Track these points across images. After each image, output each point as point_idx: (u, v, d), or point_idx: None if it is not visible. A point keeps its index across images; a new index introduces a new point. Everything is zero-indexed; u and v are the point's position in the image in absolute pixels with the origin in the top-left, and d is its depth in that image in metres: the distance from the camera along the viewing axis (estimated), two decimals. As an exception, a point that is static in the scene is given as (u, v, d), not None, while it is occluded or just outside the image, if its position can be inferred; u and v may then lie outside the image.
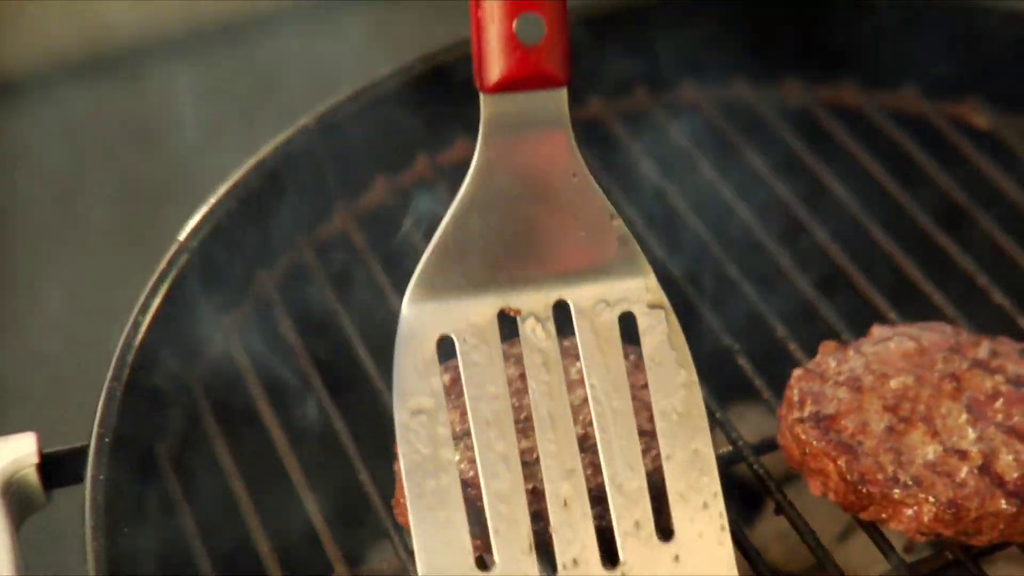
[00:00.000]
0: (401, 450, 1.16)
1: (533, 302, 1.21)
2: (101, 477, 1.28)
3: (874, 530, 1.27)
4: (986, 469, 1.25)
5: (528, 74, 1.20)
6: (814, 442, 1.29)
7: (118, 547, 1.25)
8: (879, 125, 1.68)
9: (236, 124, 2.10)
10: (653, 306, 1.23)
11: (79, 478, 1.29)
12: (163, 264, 1.42)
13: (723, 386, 1.41)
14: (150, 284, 1.41)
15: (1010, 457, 1.25)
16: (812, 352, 1.38)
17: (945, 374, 1.33)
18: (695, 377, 1.22)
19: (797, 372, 1.35)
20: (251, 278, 1.52)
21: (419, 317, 1.19)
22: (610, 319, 1.22)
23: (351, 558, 1.28)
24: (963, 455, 1.26)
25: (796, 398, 1.33)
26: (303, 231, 1.56)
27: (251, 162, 1.53)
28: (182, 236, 1.45)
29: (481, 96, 1.22)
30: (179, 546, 1.32)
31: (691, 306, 1.48)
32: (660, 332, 1.22)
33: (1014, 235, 1.55)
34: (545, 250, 1.23)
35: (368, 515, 1.31)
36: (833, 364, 1.35)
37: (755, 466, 1.34)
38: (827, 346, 1.38)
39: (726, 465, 1.34)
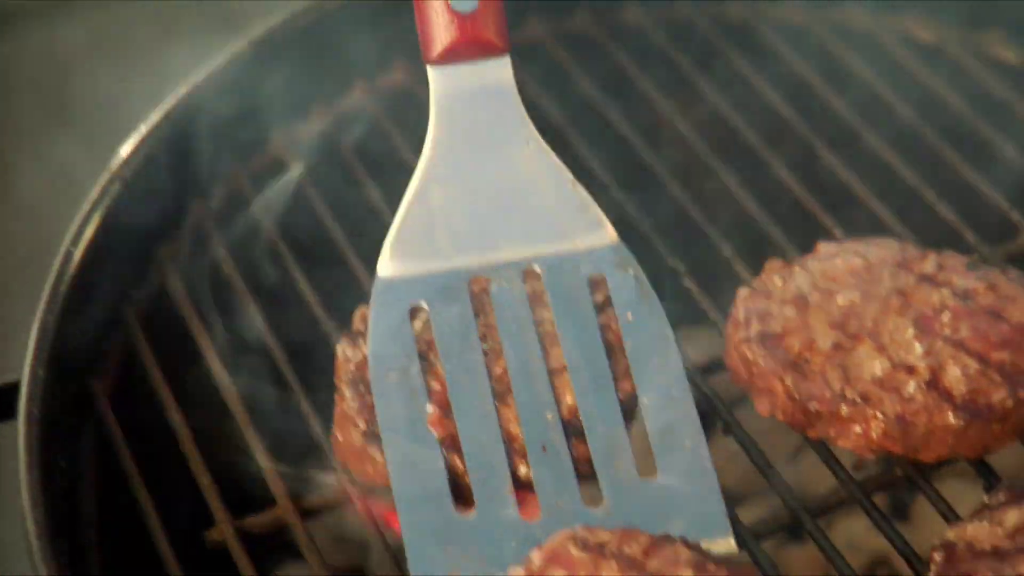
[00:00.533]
0: (378, 409, 1.18)
1: (502, 271, 1.24)
2: (35, 412, 1.25)
3: (823, 448, 1.26)
4: (934, 384, 1.24)
5: (466, 41, 1.25)
6: (760, 361, 1.27)
7: (54, 483, 1.23)
8: (822, 40, 1.66)
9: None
10: (621, 267, 1.25)
11: (12, 413, 1.26)
12: (94, 194, 1.39)
13: (670, 309, 1.39)
14: (82, 214, 1.37)
15: (958, 371, 1.24)
16: (758, 271, 1.36)
17: (892, 289, 1.31)
18: (669, 331, 1.24)
19: (742, 291, 1.34)
20: (186, 208, 1.48)
21: (390, 289, 1.23)
22: (578, 280, 1.24)
23: (294, 492, 1.26)
24: (911, 370, 1.25)
25: (742, 317, 1.31)
26: (239, 160, 1.53)
27: (184, 90, 1.50)
28: (114, 165, 1.42)
29: (428, 70, 1.27)
30: (116, 482, 1.30)
31: (635, 227, 1.46)
32: (630, 290, 1.24)
33: (959, 150, 1.53)
34: (509, 219, 1.26)
35: (310, 449, 1.29)
36: (779, 282, 1.33)
37: (703, 387, 1.32)
38: (773, 264, 1.36)
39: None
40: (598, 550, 1.07)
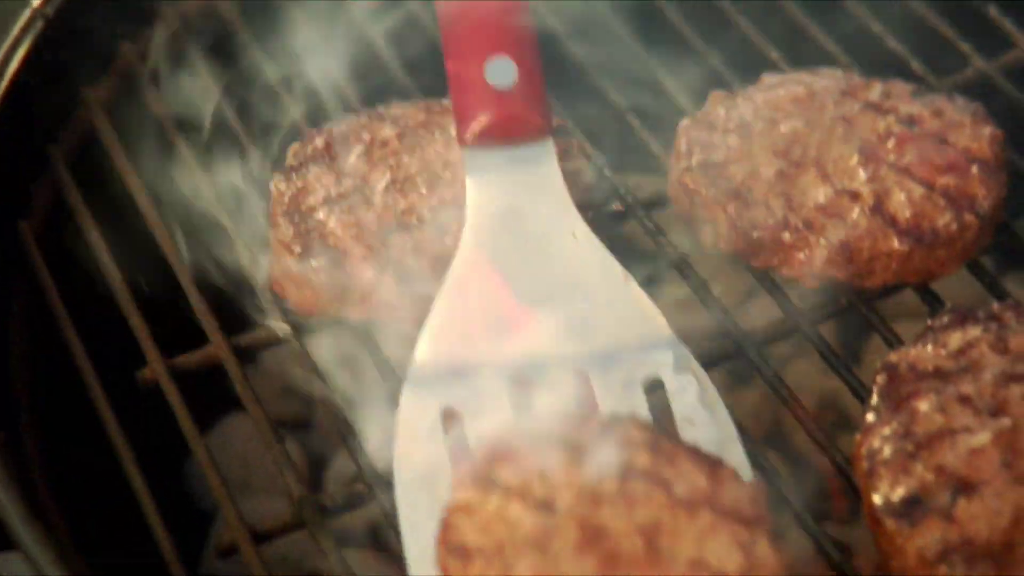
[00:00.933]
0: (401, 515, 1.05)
1: (547, 372, 1.10)
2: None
3: (767, 279, 1.24)
4: (878, 209, 1.21)
5: (504, 118, 1.16)
6: (703, 191, 1.24)
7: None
8: None
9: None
10: (681, 368, 1.12)
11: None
12: (16, 30, 1.34)
13: (615, 149, 1.36)
14: (3, 51, 1.33)
15: (903, 196, 1.22)
16: (702, 104, 1.33)
17: (836, 117, 1.28)
18: (736, 436, 1.10)
19: (685, 122, 1.31)
20: (115, 50, 1.44)
21: (423, 386, 1.10)
22: (632, 381, 1.11)
23: (228, 328, 1.23)
24: (855, 196, 1.22)
25: (684, 148, 1.28)
26: (170, 1, 1.48)
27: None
28: (36, 2, 1.37)
29: (465, 154, 1.18)
30: (46, 324, 1.27)
31: (577, 64, 1.42)
32: (692, 394, 1.10)
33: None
34: (554, 314, 1.13)
35: (244, 284, 1.26)
36: (722, 112, 1.31)
37: (646, 221, 1.29)
38: (716, 95, 1.33)
39: (613, 223, 1.30)
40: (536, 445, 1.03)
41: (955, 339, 1.12)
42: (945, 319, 1.14)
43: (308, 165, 1.26)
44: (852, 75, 1.34)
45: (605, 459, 1.02)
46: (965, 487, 1.02)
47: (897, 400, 1.09)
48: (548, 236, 1.16)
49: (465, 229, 1.16)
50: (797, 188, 1.23)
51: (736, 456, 1.07)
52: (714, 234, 1.24)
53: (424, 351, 1.12)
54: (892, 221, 1.20)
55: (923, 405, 1.08)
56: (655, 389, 1.11)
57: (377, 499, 1.11)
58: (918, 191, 1.22)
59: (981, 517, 1.01)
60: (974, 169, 1.24)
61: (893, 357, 1.13)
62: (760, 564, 0.97)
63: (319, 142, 1.28)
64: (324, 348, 1.21)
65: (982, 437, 1.05)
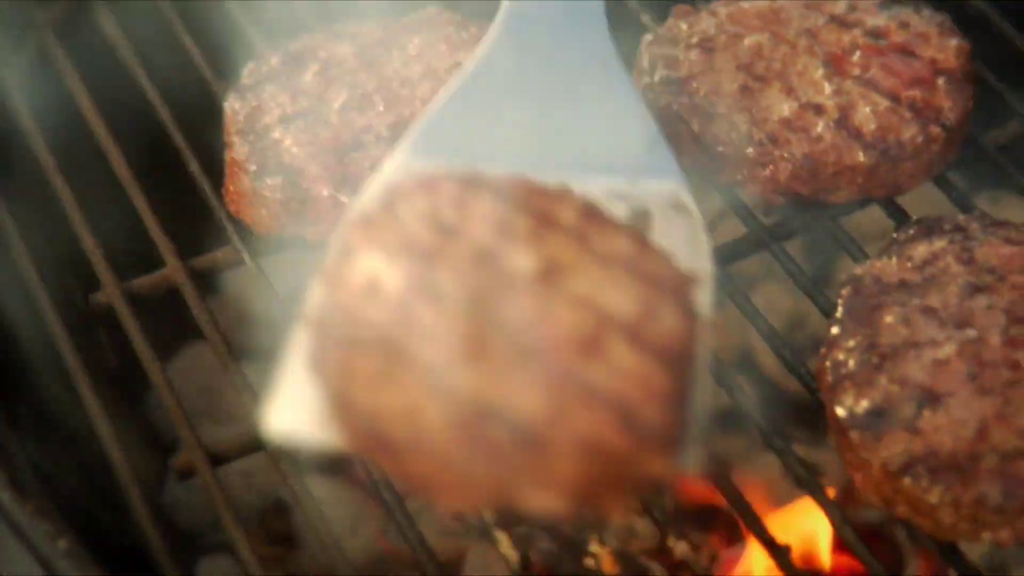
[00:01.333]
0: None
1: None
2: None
3: (732, 195, 1.22)
4: (843, 122, 1.19)
5: None
6: (665, 107, 1.22)
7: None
8: None
9: None
10: (677, 207, 1.08)
11: None
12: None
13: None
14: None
15: (868, 109, 1.20)
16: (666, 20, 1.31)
17: (801, 30, 1.26)
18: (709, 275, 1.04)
19: (647, 38, 1.28)
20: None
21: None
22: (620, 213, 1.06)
23: (184, 251, 1.21)
24: (819, 110, 1.20)
25: (646, 64, 1.26)
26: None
27: None
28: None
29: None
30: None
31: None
32: (680, 229, 1.06)
33: None
34: (562, 139, 1.09)
35: (199, 206, 1.23)
36: (685, 27, 1.28)
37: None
38: (680, 9, 1.31)
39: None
40: (471, 182, 1.00)
41: (920, 251, 1.11)
42: (911, 231, 1.13)
43: (263, 84, 1.24)
44: (817, -12, 1.32)
45: (532, 209, 0.97)
46: (930, 399, 1.01)
47: (862, 313, 1.08)
48: (577, 63, 1.13)
49: (489, 35, 1.13)
50: (761, 103, 1.21)
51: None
52: (677, 151, 1.22)
53: (422, 132, 1.08)
54: (857, 134, 1.19)
55: (888, 317, 1.06)
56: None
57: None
58: (883, 104, 1.20)
59: (946, 428, 1.00)
60: (940, 81, 1.22)
61: (858, 270, 1.11)
62: (657, 320, 0.92)
63: (274, 61, 1.26)
64: (281, 269, 1.19)
65: (947, 349, 1.04)
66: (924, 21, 1.27)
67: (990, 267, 1.09)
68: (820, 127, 1.19)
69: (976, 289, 1.07)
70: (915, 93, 1.21)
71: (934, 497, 0.97)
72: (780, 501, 1.39)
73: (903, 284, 1.08)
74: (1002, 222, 1.14)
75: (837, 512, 1.05)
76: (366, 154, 1.17)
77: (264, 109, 1.21)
